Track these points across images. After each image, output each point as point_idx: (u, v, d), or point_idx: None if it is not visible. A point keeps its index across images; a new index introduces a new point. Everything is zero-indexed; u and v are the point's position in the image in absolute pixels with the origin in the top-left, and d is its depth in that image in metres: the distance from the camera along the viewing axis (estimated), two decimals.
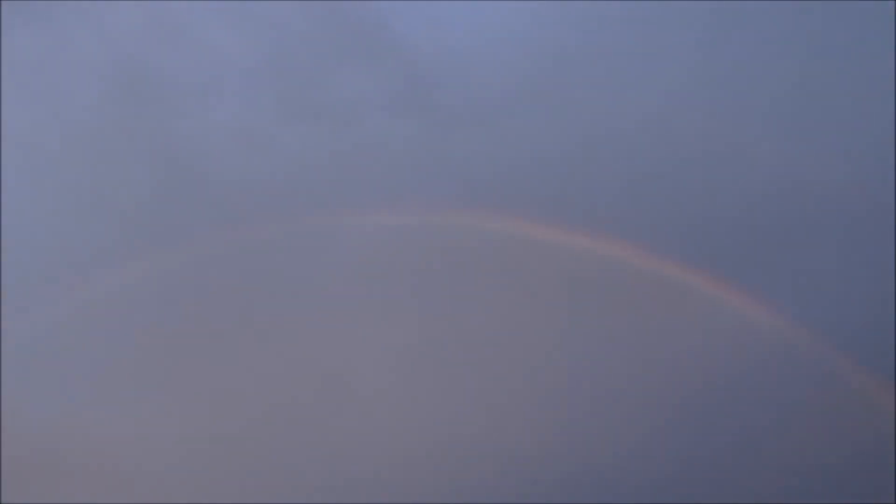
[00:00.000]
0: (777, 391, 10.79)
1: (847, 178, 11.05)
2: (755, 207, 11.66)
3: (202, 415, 10.90)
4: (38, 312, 11.28)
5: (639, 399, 10.51)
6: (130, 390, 11.03)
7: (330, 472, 11.14)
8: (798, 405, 10.89)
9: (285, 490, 11.14)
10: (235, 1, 10.55)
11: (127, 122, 10.68)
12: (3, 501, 11.84)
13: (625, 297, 10.53)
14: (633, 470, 10.29)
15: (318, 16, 10.84)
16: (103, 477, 10.57)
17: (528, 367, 10.49)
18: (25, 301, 11.22)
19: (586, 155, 11.30)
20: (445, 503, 10.80)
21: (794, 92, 11.51)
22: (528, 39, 11.34)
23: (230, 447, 11.10)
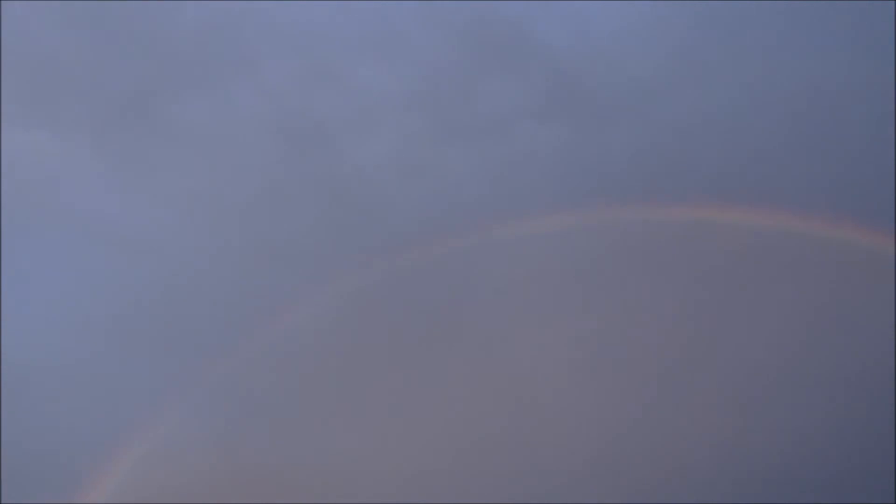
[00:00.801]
0: None
1: None
2: None
3: (403, 427, 11.44)
4: (238, 350, 12.15)
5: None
6: (334, 411, 11.71)
7: (531, 472, 11.42)
8: None
9: (485, 490, 11.54)
10: (380, 37, 10.87)
11: (294, 167, 11.22)
12: None
13: (819, 273, 10.14)
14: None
15: (459, 36, 11.00)
16: (331, 492, 11.32)
17: (719, 357, 10.29)
18: (222, 341, 12.10)
19: (740, 136, 11.00)
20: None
21: None
22: (667, 32, 11.13)
23: (434, 452, 11.59)
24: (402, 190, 11.27)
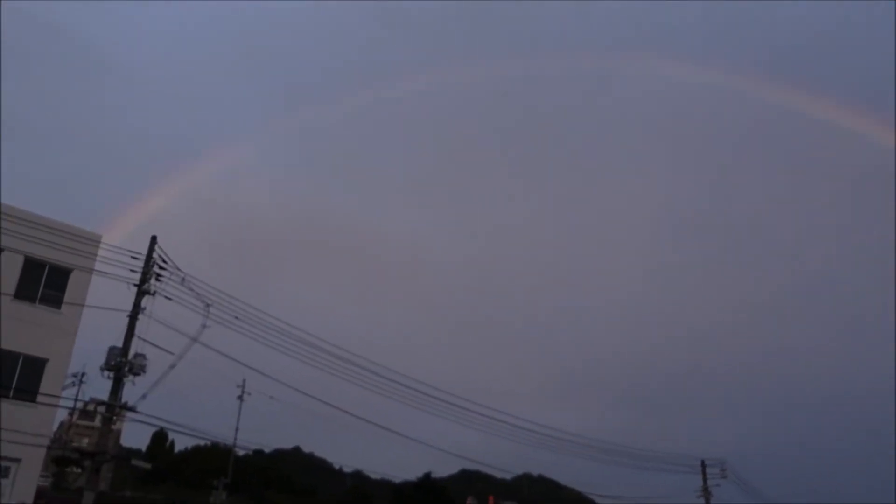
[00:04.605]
0: None
1: None
2: None
3: (470, 216, 11.52)
4: (342, 107, 11.80)
5: None
6: (408, 189, 11.66)
7: None
8: None
9: None
10: None
11: None
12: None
13: None
14: None
15: None
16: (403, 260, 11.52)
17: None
18: (333, 95, 11.71)
19: None
20: None
21: None
22: None
23: (489, 243, 10.99)
24: None
